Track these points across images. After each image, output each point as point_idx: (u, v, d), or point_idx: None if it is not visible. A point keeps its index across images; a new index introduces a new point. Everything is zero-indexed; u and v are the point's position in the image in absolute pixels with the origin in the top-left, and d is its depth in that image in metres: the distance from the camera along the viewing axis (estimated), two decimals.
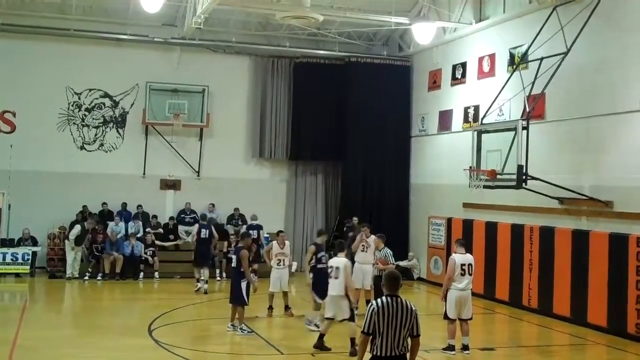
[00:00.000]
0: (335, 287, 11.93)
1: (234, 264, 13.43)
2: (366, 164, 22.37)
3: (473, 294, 12.33)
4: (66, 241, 19.67)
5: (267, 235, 21.47)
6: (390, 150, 22.35)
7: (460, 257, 12.18)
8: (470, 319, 12.19)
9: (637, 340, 13.20)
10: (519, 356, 12.65)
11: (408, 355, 6.83)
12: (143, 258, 20.16)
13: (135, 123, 21.95)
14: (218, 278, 20.20)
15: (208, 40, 21.87)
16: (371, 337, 6.74)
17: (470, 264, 12.16)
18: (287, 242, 15.48)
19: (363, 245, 15.60)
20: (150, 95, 21.62)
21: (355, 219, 20.54)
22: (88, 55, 21.33)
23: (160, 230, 21.27)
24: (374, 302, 6.85)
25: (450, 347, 12.01)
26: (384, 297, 6.81)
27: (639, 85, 13.84)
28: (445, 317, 12.17)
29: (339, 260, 12.18)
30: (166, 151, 22.13)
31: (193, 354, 11.43)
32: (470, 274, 12.11)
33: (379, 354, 6.70)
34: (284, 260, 15.19)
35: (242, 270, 13.14)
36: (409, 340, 6.82)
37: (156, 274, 20.10)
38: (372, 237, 15.41)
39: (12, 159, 20.08)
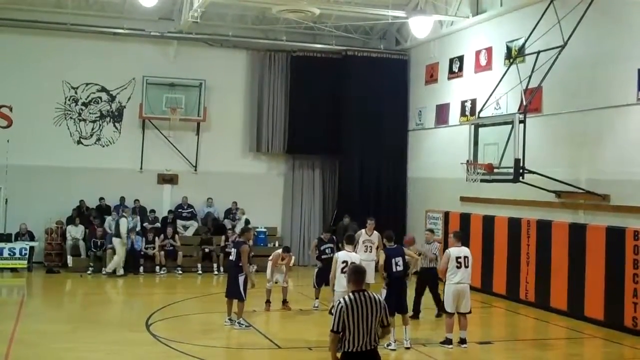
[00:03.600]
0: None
1: (232, 258, 13.36)
2: (363, 158, 22.32)
3: (470, 287, 12.30)
4: (114, 239, 19.41)
5: (265, 230, 21.51)
6: (388, 144, 22.28)
7: (455, 251, 12.11)
8: (469, 312, 12.16)
9: (634, 333, 13.22)
10: (516, 350, 12.66)
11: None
12: (142, 253, 20.17)
13: (132, 117, 21.89)
14: (215, 272, 20.24)
15: (205, 34, 21.78)
16: (341, 334, 6.69)
17: (466, 257, 12.06)
18: (293, 258, 15.14)
19: (365, 245, 14.91)
20: (147, 89, 21.54)
21: (346, 219, 19.91)
22: (84, 50, 21.26)
23: (158, 224, 21.23)
24: (341, 300, 6.78)
25: (448, 341, 12.01)
26: (350, 294, 6.76)
27: (635, 79, 13.82)
28: (444, 310, 12.17)
29: (354, 256, 12.10)
30: (163, 145, 22.07)
31: (191, 348, 11.42)
32: (466, 267, 12.01)
33: (350, 349, 6.67)
34: (281, 268, 15.11)
35: (240, 264, 13.07)
36: (379, 330, 6.81)
37: (157, 267, 20.10)
38: (376, 234, 14.98)
39: (9, 153, 19.99)
